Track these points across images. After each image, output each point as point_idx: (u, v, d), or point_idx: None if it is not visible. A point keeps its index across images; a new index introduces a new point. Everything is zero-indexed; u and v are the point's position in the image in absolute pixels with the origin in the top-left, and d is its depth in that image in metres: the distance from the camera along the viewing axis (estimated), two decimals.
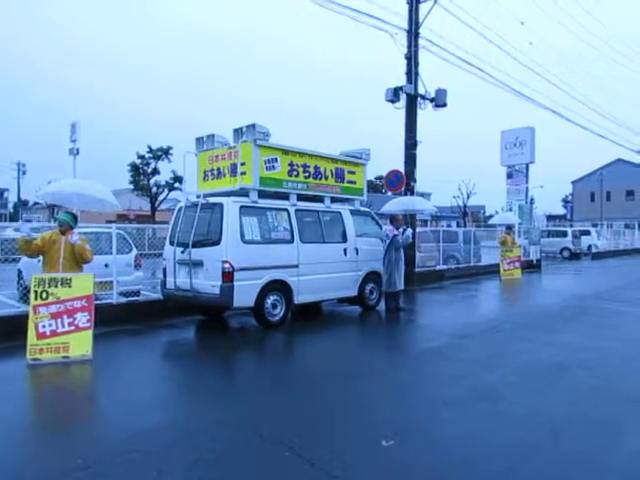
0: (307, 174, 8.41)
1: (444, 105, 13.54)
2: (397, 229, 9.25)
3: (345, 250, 8.74)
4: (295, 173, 8.22)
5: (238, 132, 7.82)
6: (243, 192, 7.62)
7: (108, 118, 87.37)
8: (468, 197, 54.39)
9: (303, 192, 8.34)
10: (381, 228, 9.53)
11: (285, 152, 8.08)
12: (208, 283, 7.17)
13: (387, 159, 17.42)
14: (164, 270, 7.97)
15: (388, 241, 9.13)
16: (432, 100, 13.42)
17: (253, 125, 7.60)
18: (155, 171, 39.53)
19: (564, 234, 26.47)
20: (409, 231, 9.53)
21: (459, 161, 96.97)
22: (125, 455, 3.24)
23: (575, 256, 25.32)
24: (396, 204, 10.11)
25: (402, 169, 13.29)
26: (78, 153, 15.41)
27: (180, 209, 8.01)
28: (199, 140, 8.45)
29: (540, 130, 20.97)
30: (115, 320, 7.49)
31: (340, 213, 8.90)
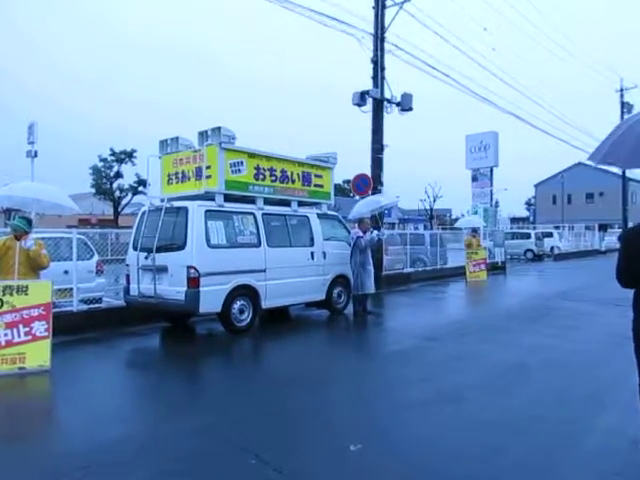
0: (274, 178, 8.39)
1: (410, 109, 13.78)
2: (364, 232, 9.33)
3: (312, 254, 8.75)
4: (261, 177, 8.19)
5: (203, 135, 7.74)
6: (208, 196, 7.55)
7: (69, 125, 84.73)
8: (435, 200, 55.52)
9: (270, 196, 8.33)
10: (349, 232, 9.60)
11: (251, 155, 8.05)
12: (173, 289, 7.06)
13: (355, 164, 17.56)
14: (127, 276, 7.81)
15: (352, 243, 9.21)
16: (398, 104, 13.63)
17: (218, 128, 7.55)
18: (118, 174, 38.76)
19: (527, 236, 27.21)
20: (374, 233, 9.59)
21: (426, 165, 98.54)
22: (86, 469, 3.15)
23: (538, 257, 26.05)
24: (362, 206, 10.19)
25: (369, 173, 13.43)
26: (36, 155, 14.94)
27: (144, 213, 7.88)
28: (163, 143, 8.33)
29: (504, 135, 21.57)
30: (75, 328, 7.27)
31: (307, 217, 8.92)
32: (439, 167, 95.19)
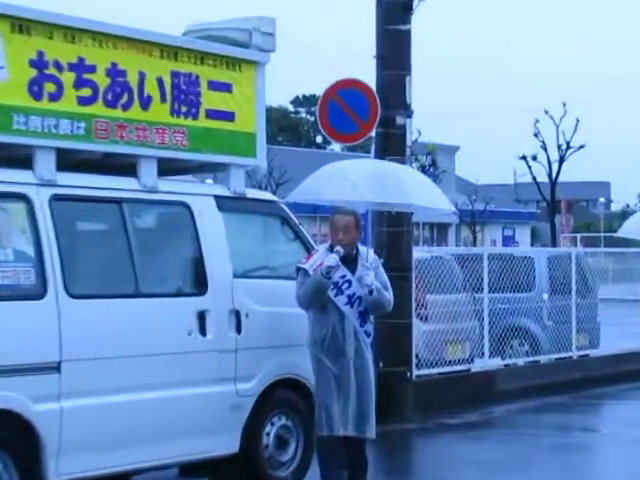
0: (90, 90, 8.44)
1: None
2: (338, 251, 9.26)
3: (202, 317, 8.82)
4: (53, 89, 8.17)
5: None
6: None
7: None
8: (562, 159, 56.03)
9: (76, 145, 8.41)
10: (309, 250, 9.85)
11: (17, 25, 7.98)
12: None
13: (331, 61, 17.87)
14: None
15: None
16: None
17: None
18: None
19: None
20: (367, 251, 9.57)
21: (528, 71, 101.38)
22: None
23: None
24: (354, 179, 10.22)
25: (370, 80, 13.55)
26: None
27: None
28: None
29: None
30: None
31: (188, 207, 9.05)
32: (567, 76, 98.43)
